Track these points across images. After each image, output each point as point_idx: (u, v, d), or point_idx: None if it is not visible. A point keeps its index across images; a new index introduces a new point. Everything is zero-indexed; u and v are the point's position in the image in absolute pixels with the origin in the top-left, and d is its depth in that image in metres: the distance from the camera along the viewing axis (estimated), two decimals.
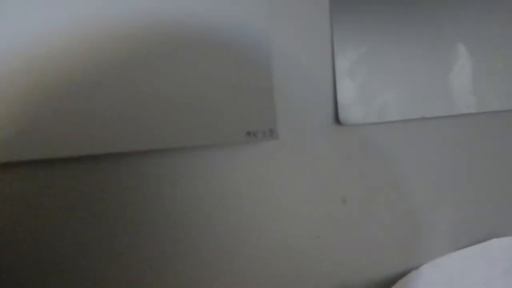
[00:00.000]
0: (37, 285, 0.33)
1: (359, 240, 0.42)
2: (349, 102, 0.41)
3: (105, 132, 0.30)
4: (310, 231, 0.40)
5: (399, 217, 0.43)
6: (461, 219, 0.45)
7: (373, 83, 0.42)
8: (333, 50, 0.41)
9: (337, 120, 0.40)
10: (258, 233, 0.38)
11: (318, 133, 0.40)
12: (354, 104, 0.41)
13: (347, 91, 0.41)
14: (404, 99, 0.43)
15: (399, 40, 0.43)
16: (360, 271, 0.42)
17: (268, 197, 0.38)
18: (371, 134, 0.42)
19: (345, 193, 0.41)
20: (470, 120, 0.45)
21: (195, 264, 0.37)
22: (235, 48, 0.34)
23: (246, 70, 0.34)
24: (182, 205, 0.36)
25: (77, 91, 0.30)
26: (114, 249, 0.34)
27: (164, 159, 0.34)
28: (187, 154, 0.34)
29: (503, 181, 0.47)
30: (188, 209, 0.36)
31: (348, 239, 0.41)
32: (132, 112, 0.31)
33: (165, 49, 0.32)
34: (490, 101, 0.46)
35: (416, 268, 0.43)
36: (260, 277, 0.39)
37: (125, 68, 0.31)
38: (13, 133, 0.29)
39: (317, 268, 0.40)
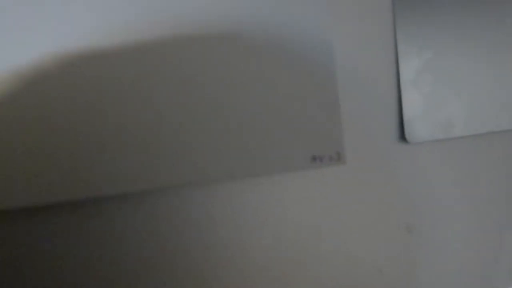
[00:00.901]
0: None
1: (426, 275, 0.36)
2: (415, 116, 0.36)
3: (150, 167, 0.25)
4: (372, 265, 0.35)
5: (473, 246, 0.37)
6: None
7: (439, 93, 0.37)
8: (397, 57, 0.35)
9: (402, 137, 0.35)
10: (316, 267, 0.33)
11: (382, 153, 0.34)
12: (420, 118, 0.36)
13: (412, 104, 0.36)
14: (472, 111, 0.38)
15: (467, 45, 0.38)
16: None
17: (327, 228, 0.33)
18: (437, 152, 0.37)
19: (411, 220, 0.36)
20: None
21: None
22: (298, 61, 0.28)
23: (310, 85, 0.29)
24: (238, 240, 0.30)
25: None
26: None
27: (211, 191, 0.29)
28: (242, 183, 0.29)
29: None
30: (245, 241, 0.31)
31: (413, 274, 0.36)
32: (180, 140, 0.26)
33: (220, 63, 0.27)
34: None
35: None
36: None
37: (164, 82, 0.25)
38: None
39: None
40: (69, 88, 0.24)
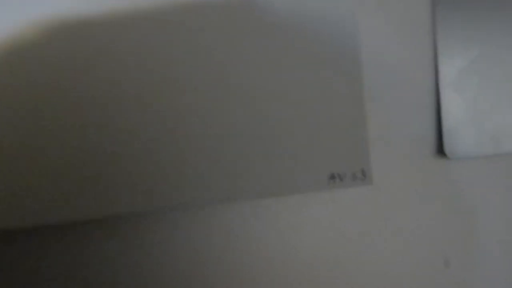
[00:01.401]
0: None
1: None
2: (457, 127, 0.29)
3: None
4: None
5: None
6: None
7: (486, 99, 0.30)
8: (435, 55, 0.29)
9: (441, 151, 0.29)
10: None
11: (416, 170, 0.28)
12: (462, 129, 0.30)
13: (454, 112, 0.29)
14: None
15: None
16: None
17: (347, 260, 0.27)
18: (482, 170, 0.31)
19: (449, 252, 0.30)
20: None
21: None
22: (318, 57, 0.23)
23: (329, 88, 0.23)
24: (242, 270, 0.25)
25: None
26: None
27: (205, 215, 0.23)
28: (243, 206, 0.23)
29: None
30: (250, 272, 0.25)
31: None
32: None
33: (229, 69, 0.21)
34: None
35: None
36: None
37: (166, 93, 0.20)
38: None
39: None
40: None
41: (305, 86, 0.23)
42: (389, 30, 0.28)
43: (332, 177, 0.23)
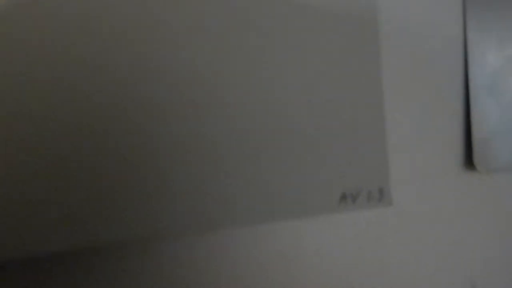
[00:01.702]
0: None
1: None
2: (489, 136, 0.26)
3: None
4: None
5: None
6: None
7: None
8: (465, 52, 0.25)
9: (470, 164, 0.25)
10: None
11: (442, 185, 0.25)
12: (496, 138, 0.26)
13: (486, 118, 0.26)
14: None
15: None
16: None
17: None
18: None
19: (476, 274, 0.26)
20: None
21: None
22: (339, 59, 0.19)
23: (340, 88, 0.20)
24: None
25: None
26: None
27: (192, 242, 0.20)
28: (238, 233, 0.20)
29: None
30: None
31: None
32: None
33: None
34: None
35: None
36: None
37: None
38: None
39: None
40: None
41: (314, 88, 0.20)
42: (415, 26, 0.24)
43: (344, 197, 0.20)
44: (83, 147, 0.16)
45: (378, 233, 0.23)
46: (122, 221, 0.17)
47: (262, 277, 0.21)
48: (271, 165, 0.19)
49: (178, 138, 0.17)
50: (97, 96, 0.16)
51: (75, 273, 0.19)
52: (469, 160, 0.26)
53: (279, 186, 0.19)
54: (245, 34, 0.18)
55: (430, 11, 0.25)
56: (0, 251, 0.15)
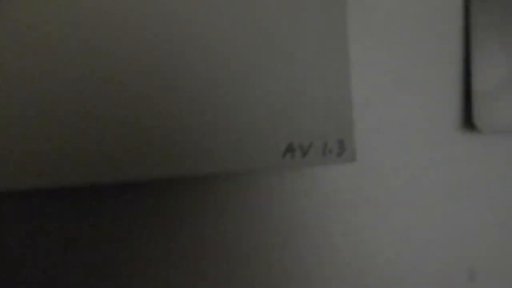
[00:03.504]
0: None
1: None
2: (493, 89, 0.21)
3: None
4: None
5: None
6: None
7: None
8: None
9: (468, 122, 0.21)
10: None
11: (434, 148, 0.20)
12: (501, 92, 0.21)
13: (489, 66, 0.21)
14: None
15: None
16: None
17: (327, 271, 0.19)
18: None
19: (475, 262, 0.21)
20: None
21: None
22: None
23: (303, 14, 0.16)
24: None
25: None
26: None
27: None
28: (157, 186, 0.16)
29: None
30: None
31: None
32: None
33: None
34: None
35: None
36: None
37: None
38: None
39: None
40: None
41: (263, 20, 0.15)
42: None
43: (290, 149, 0.16)
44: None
45: (357, 201, 0.18)
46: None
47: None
48: (204, 109, 0.15)
49: None
50: None
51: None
52: (468, 118, 0.21)
53: (210, 134, 0.15)
54: None
55: None
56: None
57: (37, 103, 0.14)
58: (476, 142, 0.21)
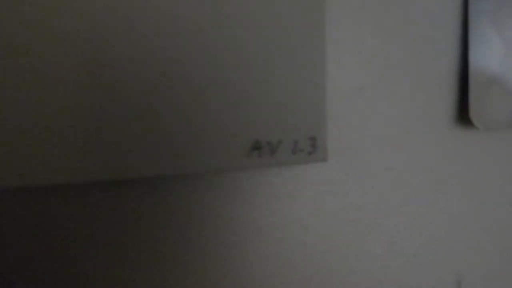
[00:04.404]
0: None
1: None
2: (490, 81, 0.19)
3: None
4: None
5: None
6: None
7: None
8: None
9: (464, 116, 0.19)
10: None
11: (426, 145, 0.19)
12: (498, 84, 0.19)
13: (486, 56, 0.19)
14: None
15: None
16: None
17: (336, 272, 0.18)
18: None
19: (463, 267, 0.20)
20: None
21: None
22: None
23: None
24: None
25: None
26: None
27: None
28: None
29: None
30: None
31: None
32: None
33: None
34: None
35: None
36: None
37: None
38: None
39: None
40: None
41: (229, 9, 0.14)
42: None
43: (256, 147, 0.14)
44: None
45: (346, 199, 0.17)
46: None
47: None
48: (166, 108, 0.14)
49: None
50: None
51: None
52: (463, 113, 0.19)
53: (172, 132, 0.14)
54: None
55: None
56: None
57: (38, 101, 0.13)
58: (471, 138, 0.20)
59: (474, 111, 0.19)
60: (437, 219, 0.20)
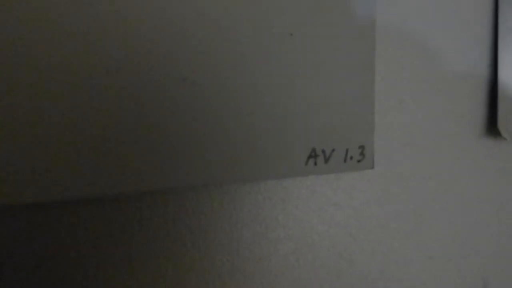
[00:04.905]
0: None
1: None
2: None
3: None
4: None
5: None
6: None
7: None
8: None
9: (493, 127, 0.20)
10: None
11: (455, 154, 0.20)
12: None
13: None
14: None
15: None
16: None
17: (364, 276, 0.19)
18: None
19: (488, 270, 0.21)
20: None
21: None
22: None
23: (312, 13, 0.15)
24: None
25: None
26: None
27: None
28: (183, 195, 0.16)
29: None
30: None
31: None
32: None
33: None
34: None
35: None
36: None
37: None
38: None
39: None
40: None
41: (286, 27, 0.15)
42: None
43: (313, 155, 0.15)
44: None
45: (377, 206, 0.18)
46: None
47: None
48: (228, 117, 0.14)
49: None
50: None
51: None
52: (492, 124, 0.20)
53: (233, 143, 0.14)
54: None
55: None
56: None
57: (43, 115, 0.13)
58: (499, 149, 0.21)
59: (502, 123, 0.20)
60: (467, 225, 0.20)
